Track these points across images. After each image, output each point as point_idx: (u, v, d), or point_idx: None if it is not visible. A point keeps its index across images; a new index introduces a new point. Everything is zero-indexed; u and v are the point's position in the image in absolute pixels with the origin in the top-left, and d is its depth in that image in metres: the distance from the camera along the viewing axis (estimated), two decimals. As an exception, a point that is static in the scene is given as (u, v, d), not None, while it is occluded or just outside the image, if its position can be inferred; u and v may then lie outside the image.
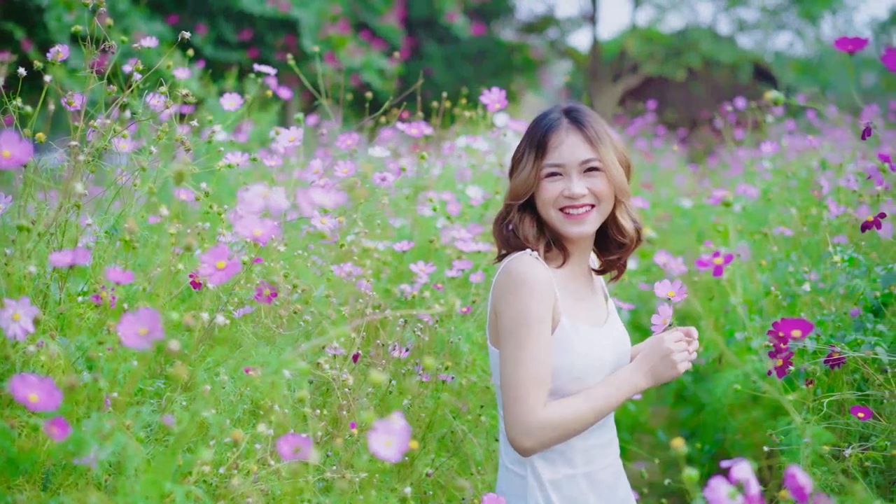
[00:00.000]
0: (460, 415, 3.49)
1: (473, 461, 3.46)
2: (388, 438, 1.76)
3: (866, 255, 3.81)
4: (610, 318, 2.90)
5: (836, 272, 3.77)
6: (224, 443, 2.40)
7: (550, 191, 2.75)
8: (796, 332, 2.23)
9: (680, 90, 22.17)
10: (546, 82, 23.03)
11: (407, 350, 3.34)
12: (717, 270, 2.21)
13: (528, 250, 2.77)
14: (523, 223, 2.81)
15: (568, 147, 2.75)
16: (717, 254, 2.21)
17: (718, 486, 1.76)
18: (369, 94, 4.28)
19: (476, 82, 15.24)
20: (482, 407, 3.56)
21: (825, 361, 2.85)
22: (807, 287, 3.82)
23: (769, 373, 2.66)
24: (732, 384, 4.18)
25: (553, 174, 2.76)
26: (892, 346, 3.22)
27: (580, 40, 58.88)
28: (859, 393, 2.98)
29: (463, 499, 3.27)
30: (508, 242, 2.84)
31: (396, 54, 4.65)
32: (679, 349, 2.69)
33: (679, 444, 1.76)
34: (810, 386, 3.12)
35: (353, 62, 14.80)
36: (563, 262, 2.84)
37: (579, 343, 2.72)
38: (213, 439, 2.37)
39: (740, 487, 1.78)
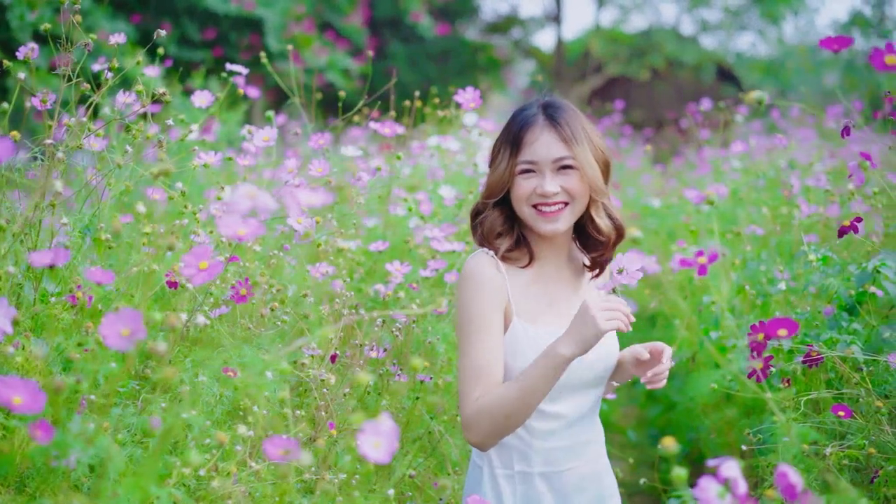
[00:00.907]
0: (437, 415, 3.48)
1: (450, 461, 3.45)
2: (377, 440, 1.74)
3: (839, 254, 3.83)
4: None
5: (809, 271, 3.79)
6: (204, 444, 2.38)
7: (524, 187, 2.74)
8: (782, 332, 2.23)
9: (643, 90, 22.26)
10: (510, 82, 23.04)
11: (385, 350, 3.33)
12: (702, 270, 2.20)
13: (485, 249, 2.79)
14: (494, 219, 2.81)
15: (542, 144, 2.72)
16: (700, 253, 2.21)
17: (707, 485, 1.75)
18: (342, 94, 4.26)
19: (441, 82, 15.22)
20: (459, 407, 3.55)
21: (804, 360, 2.85)
22: (782, 286, 3.84)
23: (751, 374, 2.65)
24: (708, 383, 4.19)
25: (527, 171, 2.74)
26: (866, 344, 3.23)
27: (544, 40, 59.07)
28: (835, 392, 2.99)
29: (441, 499, 3.26)
30: (480, 238, 2.85)
31: (369, 53, 4.61)
32: (602, 307, 2.52)
33: (669, 444, 1.76)
34: (787, 385, 3.13)
35: (317, 62, 14.75)
36: (529, 263, 2.82)
37: (527, 346, 2.71)
38: (194, 441, 2.34)
39: (728, 486, 1.78)
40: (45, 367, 2.25)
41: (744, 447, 3.09)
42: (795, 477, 1.73)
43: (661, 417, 5.95)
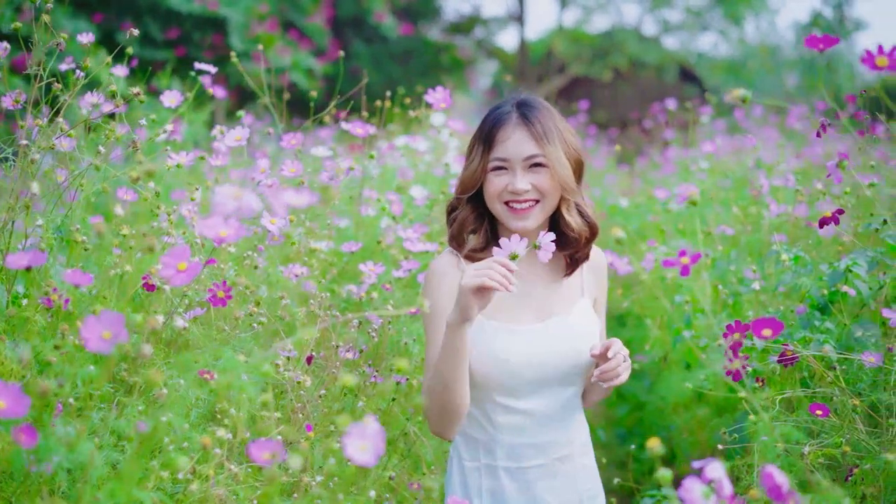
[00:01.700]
0: (410, 416, 3.46)
1: (425, 462, 3.44)
2: (363, 443, 1.72)
3: (808, 254, 3.85)
4: (560, 314, 2.86)
5: (780, 271, 3.80)
6: (182, 448, 2.35)
7: (495, 184, 2.78)
8: (767, 332, 2.24)
9: (606, 91, 22.36)
10: (473, 83, 23.06)
11: (361, 352, 3.31)
12: (684, 270, 2.21)
13: (450, 249, 2.89)
14: (467, 215, 2.86)
15: (513, 142, 2.76)
16: (683, 253, 2.22)
17: (692, 486, 1.75)
18: (314, 94, 4.23)
19: (404, 82, 15.19)
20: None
21: (779, 360, 2.86)
22: (756, 286, 3.85)
23: (730, 374, 2.66)
24: (680, 383, 4.21)
25: (499, 168, 2.78)
26: (838, 343, 3.25)
27: (507, 40, 59.10)
28: (810, 391, 3.00)
29: (416, 499, 3.25)
30: (451, 233, 2.90)
31: (341, 53, 4.58)
32: (475, 266, 2.51)
33: (654, 446, 1.76)
34: (762, 384, 3.14)
35: (281, 61, 14.68)
36: None
37: (484, 337, 2.76)
38: (172, 444, 2.31)
39: (712, 487, 1.78)
40: (19, 370, 2.22)
41: (720, 446, 3.10)
42: (781, 477, 1.73)
43: (629, 417, 5.96)
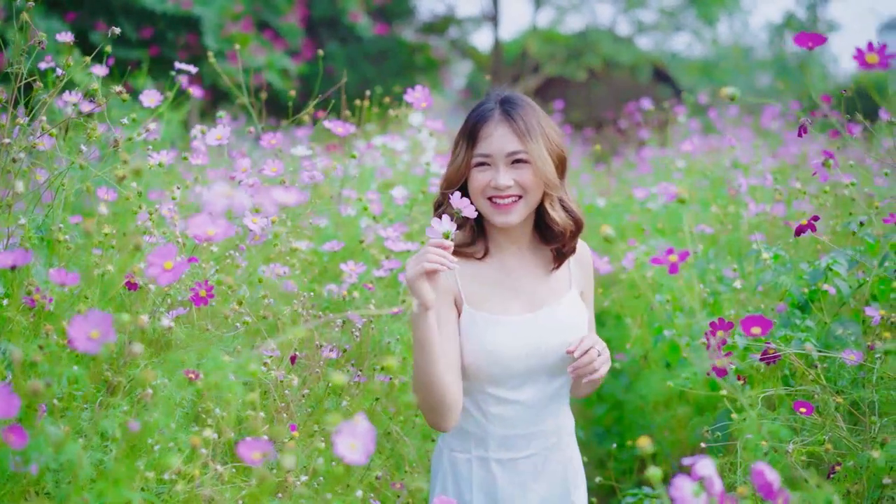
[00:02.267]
0: (392, 416, 3.46)
1: (407, 461, 3.43)
2: (353, 441, 1.72)
3: (787, 253, 3.87)
4: (550, 305, 2.92)
5: (759, 269, 3.82)
6: (167, 448, 2.34)
7: (479, 180, 2.83)
8: (756, 329, 2.24)
9: (580, 90, 22.36)
10: (448, 82, 23.05)
11: (344, 351, 3.31)
12: (673, 268, 2.21)
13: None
14: (451, 214, 2.84)
15: (496, 139, 2.81)
16: (671, 251, 2.22)
17: (682, 483, 1.76)
18: (292, 94, 4.22)
19: (378, 82, 15.17)
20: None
21: (762, 358, 2.87)
22: (738, 284, 3.87)
23: (716, 370, 2.67)
24: (659, 381, 4.22)
25: (482, 164, 2.84)
26: (818, 341, 3.27)
27: (482, 41, 59.07)
28: (791, 389, 3.01)
29: (399, 497, 3.25)
30: None
31: (320, 52, 4.56)
32: (413, 257, 2.63)
33: (645, 445, 1.76)
34: (744, 383, 3.15)
35: (255, 61, 14.62)
36: (484, 255, 2.92)
37: (474, 329, 2.82)
38: (158, 444, 2.30)
39: (702, 485, 1.79)
40: (2, 370, 2.20)
41: (703, 444, 3.11)
42: (772, 474, 1.74)
43: (607, 416, 5.97)
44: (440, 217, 2.80)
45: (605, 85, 22.64)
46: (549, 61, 22.44)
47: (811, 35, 2.25)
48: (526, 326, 2.86)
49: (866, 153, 4.53)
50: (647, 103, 8.73)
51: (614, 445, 4.17)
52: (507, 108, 2.84)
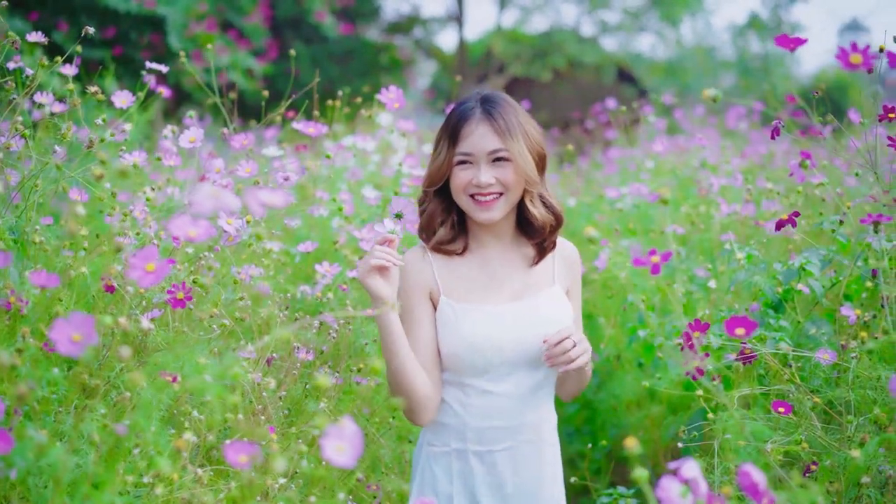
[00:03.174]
0: (367, 417, 3.45)
1: (383, 463, 3.42)
2: (341, 444, 1.71)
3: (759, 252, 3.89)
4: (530, 298, 2.97)
5: (732, 269, 3.84)
6: (147, 452, 2.32)
7: (461, 178, 2.90)
8: (740, 331, 2.25)
9: (546, 91, 22.35)
10: (412, 82, 23.00)
11: (321, 353, 3.29)
12: (655, 269, 2.22)
13: (421, 243, 3.02)
14: (435, 207, 3.00)
15: (478, 137, 2.88)
16: (653, 252, 2.22)
17: (669, 485, 1.76)
18: (265, 94, 4.20)
19: (343, 82, 15.09)
20: (397, 410, 3.52)
21: (738, 358, 2.88)
22: (712, 284, 3.88)
23: (699, 371, 2.68)
24: (632, 381, 4.23)
25: (463, 162, 2.90)
26: (792, 340, 3.29)
27: (446, 41, 59.03)
28: (766, 388, 3.03)
29: (375, 498, 3.24)
30: (420, 225, 3.02)
31: (292, 53, 4.55)
32: (361, 261, 2.78)
33: (632, 445, 1.76)
34: (719, 382, 3.16)
35: (219, 61, 14.52)
36: (464, 250, 3.00)
37: (453, 319, 2.90)
38: (138, 448, 2.28)
39: (688, 487, 1.79)
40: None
41: (680, 445, 3.12)
42: (758, 475, 1.74)
43: (578, 416, 5.97)
44: (421, 214, 2.95)
45: (569, 85, 22.66)
46: (514, 61, 22.44)
47: (792, 38, 2.26)
48: (505, 316, 2.91)
49: (833, 153, 4.56)
50: (613, 103, 8.77)
51: (590, 446, 4.17)
52: (488, 106, 2.90)
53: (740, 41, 24.18)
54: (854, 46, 2.10)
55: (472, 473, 2.91)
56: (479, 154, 2.87)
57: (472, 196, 2.90)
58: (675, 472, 1.80)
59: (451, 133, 2.92)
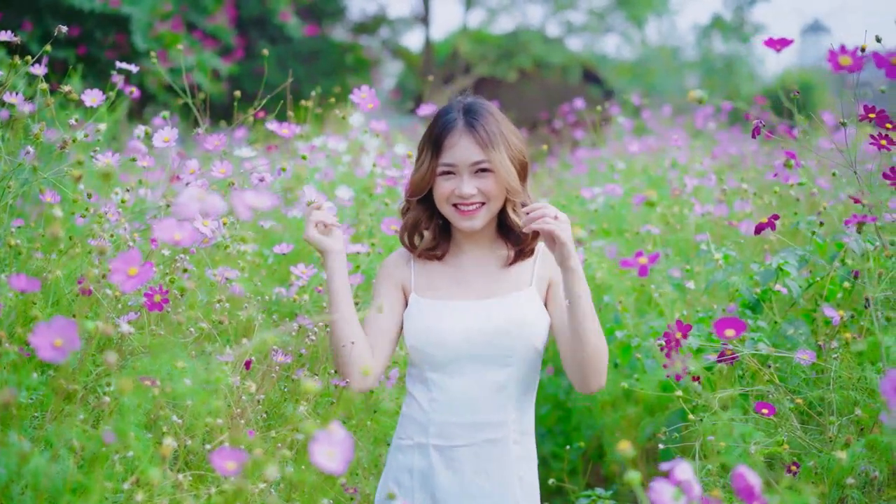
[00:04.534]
0: (344, 420, 3.42)
1: (361, 466, 3.40)
2: (331, 449, 1.68)
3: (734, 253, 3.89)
4: (499, 297, 2.98)
5: (709, 270, 3.84)
6: (126, 458, 2.28)
7: (444, 188, 2.94)
8: (730, 332, 2.24)
9: (512, 91, 22.36)
10: (378, 83, 22.95)
11: (300, 356, 3.26)
12: (643, 270, 2.20)
13: (401, 248, 3.11)
14: (419, 214, 3.05)
15: (460, 149, 2.91)
16: (640, 254, 2.21)
17: (662, 488, 1.74)
18: (238, 93, 4.16)
19: (309, 82, 15.01)
20: (375, 412, 3.50)
21: (719, 359, 2.88)
22: (691, 285, 3.88)
23: (681, 374, 2.67)
24: (613, 382, 4.21)
25: (446, 173, 2.93)
26: (770, 340, 3.29)
27: (412, 41, 59.01)
28: (749, 389, 3.02)
29: (353, 500, 3.22)
30: (402, 231, 3.08)
31: (264, 52, 4.49)
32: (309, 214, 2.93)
33: (625, 448, 1.74)
34: (698, 383, 3.16)
35: (185, 61, 14.41)
36: (443, 255, 3.06)
37: (418, 312, 2.97)
38: (118, 454, 2.24)
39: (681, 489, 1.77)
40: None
41: (661, 446, 3.11)
42: (753, 478, 1.73)
43: (549, 416, 5.95)
44: (403, 215, 3.05)
45: (536, 85, 22.68)
46: (480, 62, 22.45)
47: (779, 39, 2.25)
48: (466, 311, 2.95)
49: (804, 154, 4.58)
50: (581, 103, 8.78)
51: (568, 447, 4.16)
52: (470, 118, 2.93)
53: (705, 42, 24.30)
54: (843, 49, 2.10)
55: (433, 470, 2.92)
56: (462, 165, 2.91)
57: (454, 205, 2.95)
58: (666, 474, 1.78)
59: (434, 144, 2.96)
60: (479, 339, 2.91)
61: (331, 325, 2.88)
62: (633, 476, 1.75)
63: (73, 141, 3.28)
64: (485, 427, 2.92)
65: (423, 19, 22.74)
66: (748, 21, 23.55)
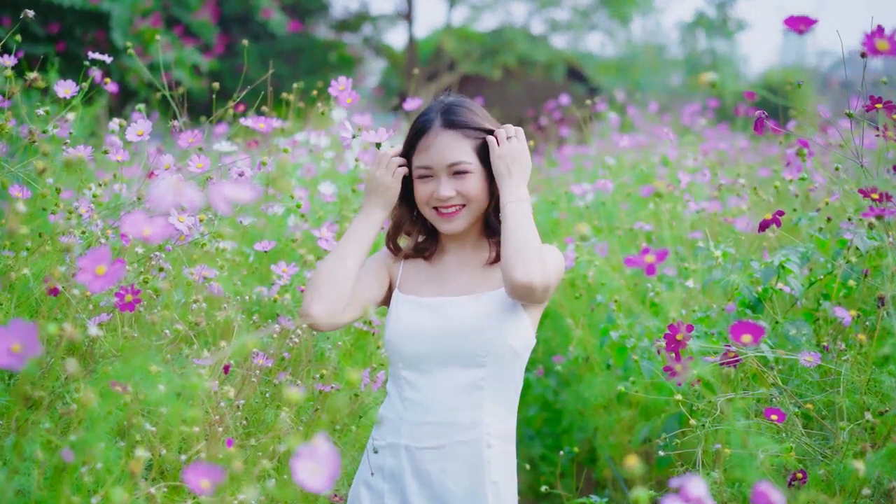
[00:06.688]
0: (326, 425, 3.28)
1: (344, 473, 3.27)
2: (314, 465, 1.54)
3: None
4: (475, 294, 2.87)
5: (708, 268, 3.72)
6: (95, 469, 2.13)
7: (423, 191, 2.89)
8: (746, 338, 2.10)
9: (496, 89, 22.25)
10: (361, 80, 22.82)
11: (282, 359, 3.13)
12: (650, 269, 2.06)
13: (386, 249, 3.04)
14: (402, 216, 3.01)
15: (436, 150, 2.84)
16: (647, 251, 2.07)
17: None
18: (216, 86, 4.03)
19: (292, 79, 14.88)
20: (361, 418, 3.37)
21: (723, 362, 2.75)
22: (691, 284, 3.76)
23: (673, 376, 2.54)
24: (604, 384, 4.10)
25: (424, 175, 2.87)
26: (772, 341, 3.17)
27: (396, 39, 58.98)
28: (755, 393, 2.90)
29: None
30: (387, 234, 3.03)
31: (246, 42, 4.36)
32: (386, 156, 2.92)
33: (632, 464, 1.61)
34: (697, 386, 3.04)
35: (165, 58, 14.25)
36: (430, 256, 3.00)
37: (395, 309, 2.90)
38: (86, 465, 2.09)
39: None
40: None
41: (661, 453, 2.98)
42: (777, 496, 1.59)
43: (537, 418, 5.83)
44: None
45: (520, 83, 22.60)
46: (464, 59, 22.35)
47: (801, 18, 2.12)
48: (440, 307, 2.86)
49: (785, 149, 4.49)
50: (566, 101, 8.69)
51: (561, 452, 4.05)
52: (448, 117, 2.85)
53: (689, 39, 24.25)
54: (881, 32, 1.97)
55: (402, 470, 2.81)
56: (439, 167, 2.84)
57: (435, 208, 2.88)
58: (677, 491, 1.64)
59: (411, 145, 2.90)
60: (445, 339, 2.81)
61: (334, 252, 2.83)
62: (642, 495, 1.62)
63: (44, 132, 3.14)
64: (456, 428, 2.80)
65: (407, 16, 22.63)
66: (731, 17, 23.50)
